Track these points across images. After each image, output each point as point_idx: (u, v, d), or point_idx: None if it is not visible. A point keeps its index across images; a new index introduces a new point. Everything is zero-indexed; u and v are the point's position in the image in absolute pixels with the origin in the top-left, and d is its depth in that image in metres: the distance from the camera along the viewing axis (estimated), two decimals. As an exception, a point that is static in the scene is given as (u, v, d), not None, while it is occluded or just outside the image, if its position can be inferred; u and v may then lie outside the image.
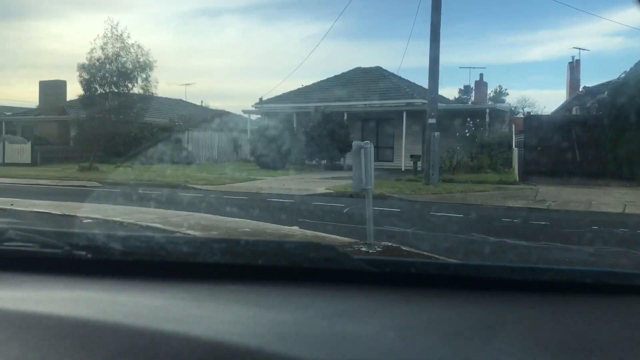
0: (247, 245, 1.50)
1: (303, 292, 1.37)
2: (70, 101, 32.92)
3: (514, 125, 24.62)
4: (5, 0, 62.94)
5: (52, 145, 31.83)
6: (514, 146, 22.18)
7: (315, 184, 17.81)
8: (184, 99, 44.26)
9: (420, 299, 1.33)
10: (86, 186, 16.96)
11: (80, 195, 13.93)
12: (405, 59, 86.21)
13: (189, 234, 7.25)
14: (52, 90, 36.04)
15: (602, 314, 1.24)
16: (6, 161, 29.46)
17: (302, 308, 1.26)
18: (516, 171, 18.74)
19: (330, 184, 17.42)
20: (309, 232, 7.89)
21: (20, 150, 30.41)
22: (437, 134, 15.58)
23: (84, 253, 1.46)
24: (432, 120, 15.78)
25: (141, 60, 21.73)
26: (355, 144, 6.06)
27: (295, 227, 8.55)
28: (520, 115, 35.11)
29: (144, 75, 21.85)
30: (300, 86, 33.57)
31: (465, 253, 6.94)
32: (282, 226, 8.49)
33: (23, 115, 38.43)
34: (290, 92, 32.77)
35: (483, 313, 1.24)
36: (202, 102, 45.96)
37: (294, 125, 28.41)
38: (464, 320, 1.18)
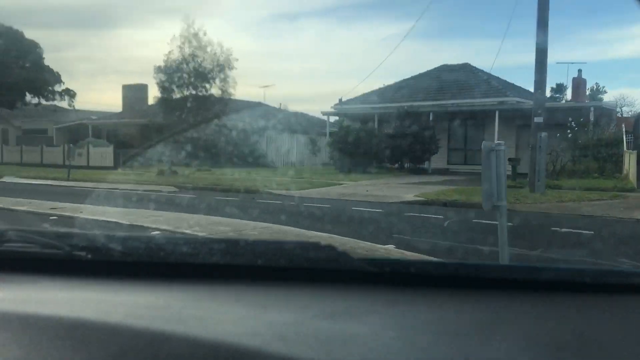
0: (246, 245, 1.50)
1: (303, 292, 1.37)
2: (151, 105, 33.11)
3: (623, 125, 22.03)
4: (98, 10, 65.83)
5: (134, 148, 32.02)
6: (625, 148, 19.73)
7: (402, 189, 16.32)
8: (262, 102, 43.83)
9: (420, 299, 1.34)
10: (162, 191, 16.30)
11: (155, 201, 13.18)
12: (490, 58, 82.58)
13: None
14: (134, 93, 36.56)
15: (601, 313, 1.24)
16: (90, 164, 29.86)
17: (302, 308, 1.26)
18: (634, 177, 16.41)
19: (419, 190, 15.88)
20: (409, 254, 6.46)
21: (103, 154, 30.78)
22: (544, 134, 13.69)
23: (83, 254, 1.47)
24: (538, 119, 13.90)
25: (221, 59, 21.00)
26: (484, 145, 4.59)
27: (391, 246, 7.18)
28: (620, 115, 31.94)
29: (222, 76, 21.11)
30: (381, 85, 32.15)
31: None
32: (375, 244, 7.12)
33: (107, 119, 39.20)
34: (372, 91, 31.38)
35: (482, 312, 1.24)
36: (280, 104, 45.39)
37: (375, 127, 27.02)
38: (463, 320, 1.18)
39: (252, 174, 21.41)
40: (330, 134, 27.81)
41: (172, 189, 17.05)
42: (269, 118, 33.05)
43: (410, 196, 14.38)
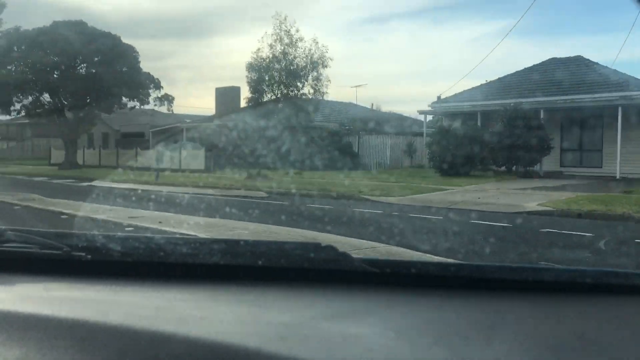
0: (247, 245, 1.49)
1: (303, 293, 1.37)
2: (243, 107, 32.69)
3: None
4: (197, 20, 67.74)
5: (225, 150, 31.55)
6: None
7: (519, 196, 14.20)
8: (353, 102, 42.36)
9: (421, 300, 1.33)
10: (250, 197, 15.15)
11: (242, 209, 11.98)
12: (606, 53, 76.83)
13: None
14: (226, 96, 36.29)
15: (602, 314, 1.23)
16: (182, 167, 29.63)
17: (302, 309, 1.26)
18: None
19: (539, 196, 13.71)
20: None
21: (194, 157, 30.50)
22: None
23: (83, 254, 1.47)
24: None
25: (315, 56, 19.67)
26: None
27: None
28: None
29: (316, 74, 19.78)
30: (484, 82, 29.69)
31: None
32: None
33: (200, 122, 39.28)
34: (473, 88, 28.99)
35: (483, 313, 1.24)
36: (372, 105, 43.74)
37: (478, 126, 24.74)
38: (464, 321, 1.18)
39: (344, 177, 19.94)
40: (429, 134, 25.81)
41: (261, 194, 15.86)
42: (360, 119, 31.56)
43: (533, 205, 12.28)
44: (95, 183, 21.33)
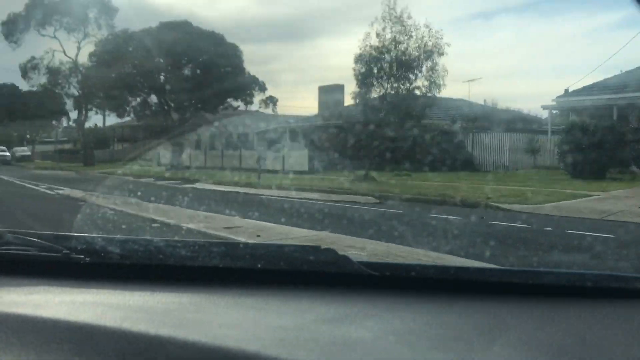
0: (246, 248, 1.50)
1: (303, 296, 1.36)
2: (347, 106, 31.29)
3: None
4: (300, 23, 68.22)
5: (329, 151, 30.21)
6: None
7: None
8: (464, 99, 39.50)
9: (421, 303, 1.32)
10: (358, 202, 13.43)
11: (354, 219, 10.33)
12: None
13: None
14: (330, 95, 35.08)
15: (602, 318, 1.22)
16: (285, 168, 28.61)
17: (301, 312, 1.26)
18: None
19: None
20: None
21: (298, 158, 29.39)
22: None
23: (82, 257, 1.47)
24: None
25: (429, 43, 17.60)
26: None
27: None
28: None
29: (430, 64, 17.70)
30: (619, 72, 26.12)
31: None
32: None
33: (303, 122, 38.37)
34: (606, 79, 25.58)
35: (483, 317, 1.24)
36: (484, 101, 40.65)
37: (616, 122, 21.52)
38: (464, 325, 1.18)
39: (460, 179, 17.76)
40: (555, 131, 22.86)
41: (371, 199, 14.09)
42: (475, 116, 28.99)
43: None
44: (197, 185, 20.61)
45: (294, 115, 44.39)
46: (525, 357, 1.01)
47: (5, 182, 23.25)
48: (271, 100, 37.90)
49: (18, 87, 49.23)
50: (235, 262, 1.45)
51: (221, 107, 34.30)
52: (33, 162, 47.53)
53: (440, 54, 17.85)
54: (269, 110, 37.88)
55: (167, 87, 30.98)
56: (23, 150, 52.11)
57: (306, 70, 79.25)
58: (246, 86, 32.38)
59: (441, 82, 18.61)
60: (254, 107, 37.57)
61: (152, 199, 14.78)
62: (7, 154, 48.14)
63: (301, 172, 26.47)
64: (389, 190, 15.13)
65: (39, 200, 15.54)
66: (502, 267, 1.33)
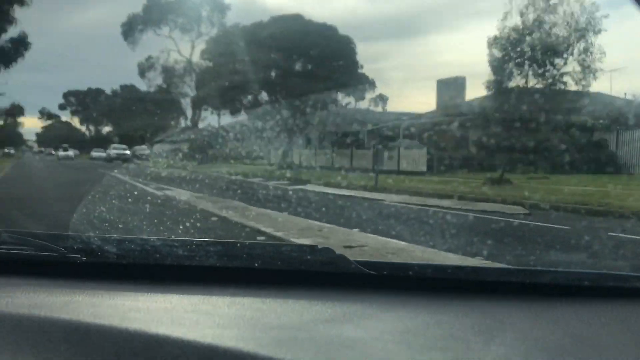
0: (243, 248, 1.49)
1: (300, 296, 1.36)
2: (470, 100, 28.65)
3: None
4: (411, 20, 66.07)
5: (450, 150, 27.68)
6: None
7: None
8: (602, 92, 35.14)
9: (418, 302, 1.33)
10: (505, 213, 10.97)
11: (505, 238, 8.03)
12: None
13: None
14: (450, 89, 32.58)
15: (600, 317, 1.23)
16: (400, 169, 26.47)
17: (299, 312, 1.26)
18: None
19: None
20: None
21: (415, 157, 27.12)
22: None
23: (78, 256, 1.47)
24: None
25: (580, 20, 14.66)
26: None
27: None
28: None
29: (583, 44, 14.73)
30: None
31: None
32: None
33: (418, 119, 36.13)
34: None
35: (481, 316, 1.24)
36: (625, 94, 35.99)
37: None
38: (462, 324, 1.18)
39: (610, 183, 14.68)
40: None
41: (519, 209, 11.58)
42: (617, 111, 25.27)
43: None
44: (308, 187, 19.01)
45: (405, 113, 42.21)
46: (522, 356, 1.01)
47: (118, 180, 23.13)
48: (381, 98, 36.42)
49: (137, 87, 51.10)
50: (232, 262, 1.45)
51: (332, 103, 32.84)
52: (150, 160, 49.02)
53: (597, 32, 14.78)
54: (378, 109, 36.51)
55: (278, 83, 30.00)
56: (142, 149, 54.08)
57: (416, 68, 76.72)
58: (359, 80, 30.63)
59: (597, 67, 15.49)
60: (363, 104, 36.18)
61: (260, 203, 13.32)
62: (127, 152, 50.10)
63: (418, 173, 24.31)
64: (535, 198, 12.52)
65: (141, 203, 14.59)
66: (499, 267, 1.27)
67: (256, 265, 1.41)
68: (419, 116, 37.10)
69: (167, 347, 0.99)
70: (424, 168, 25.69)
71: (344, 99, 32.90)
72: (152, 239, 1.54)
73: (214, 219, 10.57)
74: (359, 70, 31.52)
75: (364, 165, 29.11)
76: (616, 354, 1.04)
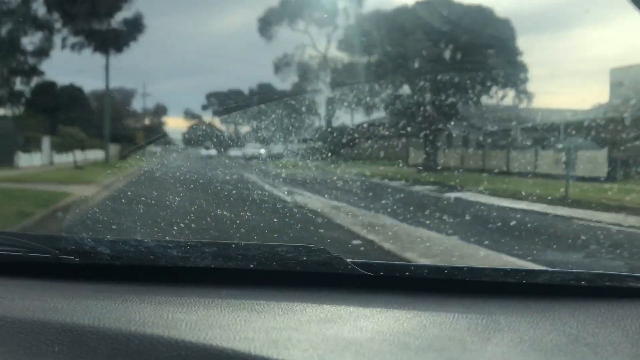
0: (238, 248, 1.49)
1: (295, 296, 1.39)
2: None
3: None
4: (555, 14, 60.78)
5: (632, 151, 22.98)
6: None
7: None
8: None
9: (414, 303, 1.35)
10: None
11: None
12: None
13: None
14: (628, 77, 27.55)
15: (597, 317, 1.25)
16: (578, 174, 22.35)
17: (294, 313, 1.28)
18: None
19: None
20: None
21: (590, 160, 22.87)
22: None
23: (72, 258, 1.49)
24: None
25: None
26: None
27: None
28: None
29: None
30: None
31: None
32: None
33: (584, 116, 31.39)
34: None
35: (477, 316, 1.25)
36: None
37: None
38: (458, 324, 1.21)
39: None
40: None
41: None
42: None
43: None
44: (462, 195, 15.67)
45: (555, 110, 37.72)
46: (519, 356, 1.01)
47: (251, 183, 21.56)
48: (525, 95, 32.60)
49: (273, 85, 50.71)
50: (228, 263, 1.47)
51: (485, 96, 29.23)
52: (283, 159, 48.42)
53: None
54: (523, 105, 32.70)
55: (422, 75, 27.06)
56: (276, 149, 53.92)
57: (559, 63, 70.06)
58: (519, 70, 26.71)
59: None
60: (506, 101, 32.61)
61: (413, 219, 10.34)
62: (262, 151, 49.93)
63: (594, 179, 20.15)
64: None
65: (264, 212, 12.35)
66: (496, 267, 1.11)
67: (251, 266, 1.46)
68: (585, 112, 32.41)
69: (161, 348, 1.00)
70: (602, 173, 21.41)
71: (498, 93, 29.12)
72: (146, 240, 1.52)
73: (355, 242, 7.85)
74: (519, 58, 27.62)
75: (520, 168, 25.61)
76: (612, 353, 1.05)
